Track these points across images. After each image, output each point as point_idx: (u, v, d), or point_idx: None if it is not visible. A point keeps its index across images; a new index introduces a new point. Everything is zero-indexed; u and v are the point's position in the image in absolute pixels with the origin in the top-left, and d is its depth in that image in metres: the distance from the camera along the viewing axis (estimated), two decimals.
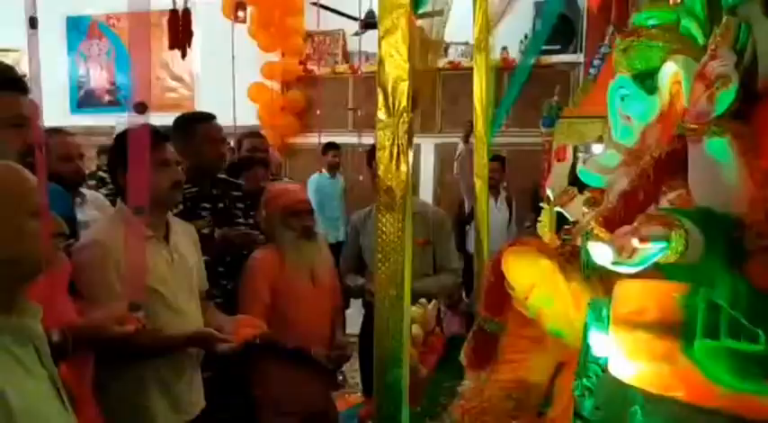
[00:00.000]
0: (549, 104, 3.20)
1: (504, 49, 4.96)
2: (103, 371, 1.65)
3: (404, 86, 0.85)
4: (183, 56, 2.88)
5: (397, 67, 0.85)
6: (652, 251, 0.92)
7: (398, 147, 0.86)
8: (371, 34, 4.68)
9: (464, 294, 3.31)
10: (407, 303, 0.89)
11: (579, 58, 4.83)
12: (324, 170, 5.30)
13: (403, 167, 0.87)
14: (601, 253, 0.94)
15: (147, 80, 1.37)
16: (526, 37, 5.08)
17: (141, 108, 1.25)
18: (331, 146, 5.30)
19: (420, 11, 0.95)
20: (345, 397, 3.08)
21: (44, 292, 1.14)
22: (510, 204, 4.16)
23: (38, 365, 1.08)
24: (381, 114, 0.87)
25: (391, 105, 0.86)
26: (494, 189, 4.11)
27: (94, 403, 1.50)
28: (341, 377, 3.57)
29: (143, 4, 1.19)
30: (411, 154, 0.89)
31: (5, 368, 1.00)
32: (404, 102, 0.85)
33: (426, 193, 5.24)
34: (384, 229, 0.88)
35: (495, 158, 4.19)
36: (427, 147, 5.36)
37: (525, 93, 4.74)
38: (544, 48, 5.08)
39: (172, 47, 2.70)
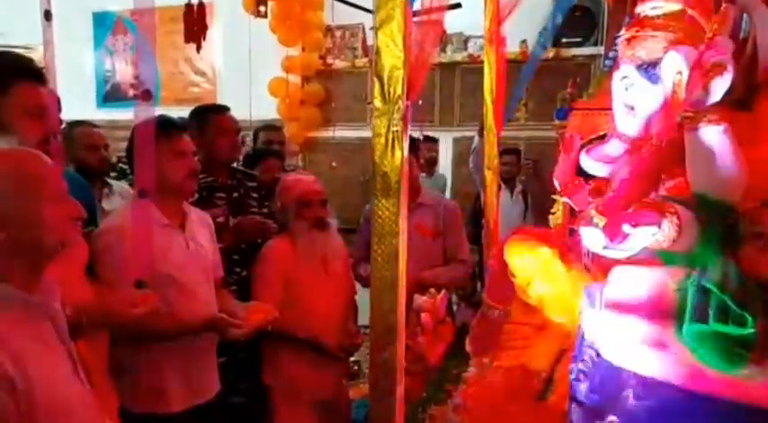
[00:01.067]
0: (562, 96, 3.19)
1: (524, 41, 4.92)
2: (120, 352, 1.72)
3: (399, 75, 0.88)
4: (198, 49, 2.96)
5: (392, 57, 0.87)
6: (642, 237, 0.93)
7: (393, 134, 0.89)
8: None
9: (479, 286, 3.32)
10: (402, 284, 0.92)
11: (600, 50, 4.77)
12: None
13: (398, 153, 0.90)
14: (592, 238, 0.97)
15: (153, 71, 1.41)
16: (546, 30, 5.03)
17: (147, 96, 1.30)
18: (427, 139, 4.69)
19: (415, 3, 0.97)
20: (359, 386, 3.12)
21: (61, 274, 1.20)
22: (526, 197, 4.15)
23: (56, 341, 1.14)
24: (377, 102, 0.90)
25: (387, 93, 0.89)
26: (510, 182, 4.11)
27: (110, 382, 1.57)
28: (356, 367, 3.63)
29: (148, 1, 1.23)
30: (406, 141, 0.92)
31: (26, 341, 1.05)
32: (399, 90, 0.88)
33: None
34: (380, 213, 0.91)
35: (511, 151, 4.18)
36: (445, 140, 5.36)
37: (545, 86, 4.73)
38: (565, 40, 5.04)
39: (188, 40, 2.77)
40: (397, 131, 0.88)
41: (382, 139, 0.89)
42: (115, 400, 1.57)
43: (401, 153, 0.89)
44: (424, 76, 0.96)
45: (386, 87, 0.88)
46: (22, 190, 1.08)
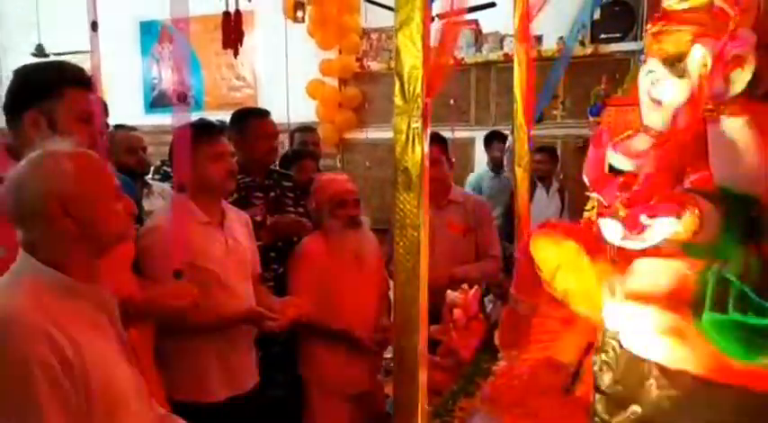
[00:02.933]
0: (596, 93, 3.16)
1: (561, 39, 4.87)
2: (162, 342, 1.81)
3: (418, 74, 0.91)
4: (236, 55, 3.08)
5: (411, 57, 0.91)
6: (661, 228, 0.95)
7: (413, 130, 0.93)
8: None
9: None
10: (424, 275, 0.95)
11: (640, 45, 4.68)
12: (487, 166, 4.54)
13: (418, 150, 0.93)
14: (611, 229, 0.98)
15: (186, 76, 1.50)
16: (584, 26, 4.96)
17: (182, 97, 1.39)
18: (496, 136, 4.45)
19: (436, 10, 1.01)
20: None
21: (110, 268, 1.29)
22: (563, 195, 4.11)
23: (110, 330, 1.22)
24: (398, 100, 0.93)
25: (407, 92, 0.92)
26: (545, 180, 4.08)
27: (156, 370, 1.66)
28: (392, 364, 3.67)
29: (183, 9, 1.32)
30: (427, 137, 0.95)
31: (83, 328, 1.13)
32: (418, 88, 0.92)
33: None
34: (401, 206, 0.95)
35: (544, 149, 4.14)
36: (481, 139, 5.35)
37: (583, 83, 4.68)
38: (603, 36, 4.97)
39: (225, 47, 2.89)
40: (417, 128, 0.92)
41: (403, 136, 0.93)
42: (161, 387, 1.66)
43: (421, 149, 0.92)
44: (443, 75, 1.00)
45: (406, 86, 0.92)
46: (88, 185, 1.16)
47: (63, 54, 5.23)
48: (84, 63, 1.58)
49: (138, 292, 1.56)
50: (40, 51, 6.14)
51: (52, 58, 5.10)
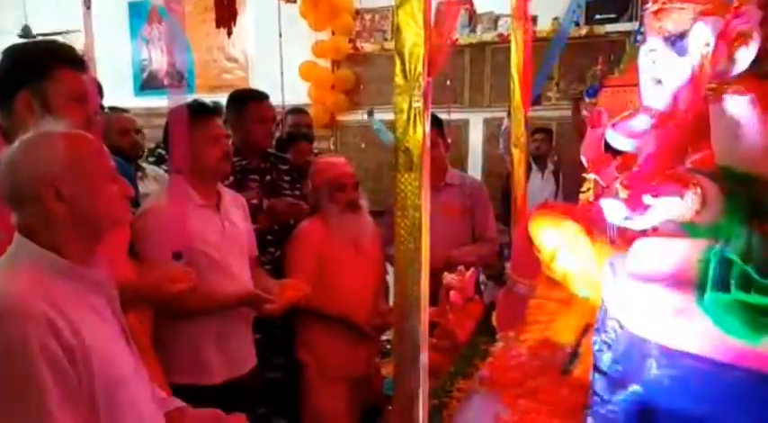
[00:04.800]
0: (592, 74, 3.14)
1: (556, 19, 4.83)
2: (160, 326, 1.81)
3: (419, 52, 0.90)
4: (229, 34, 3.04)
5: (412, 35, 0.89)
6: (664, 208, 0.94)
7: (415, 110, 0.91)
8: None
9: (507, 265, 3.32)
10: (426, 256, 0.95)
11: (635, 26, 4.66)
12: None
13: (419, 129, 0.92)
14: (613, 209, 0.98)
15: (184, 57, 1.47)
16: (579, 7, 4.92)
17: (179, 78, 1.36)
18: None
19: None
20: (392, 364, 3.18)
21: (107, 251, 1.27)
22: (557, 177, 4.12)
23: (109, 313, 1.21)
24: (399, 79, 0.92)
25: (408, 70, 0.91)
26: (541, 161, 4.08)
27: (154, 354, 1.66)
28: (388, 346, 3.69)
29: None
30: (428, 117, 0.94)
31: (82, 311, 1.12)
32: (419, 67, 0.90)
33: (475, 167, 5.23)
34: (402, 187, 0.94)
35: (542, 130, 4.13)
36: (476, 121, 5.33)
37: (577, 64, 4.65)
38: (598, 17, 4.93)
39: (218, 26, 2.85)
40: (418, 108, 0.91)
41: (404, 116, 0.91)
42: (161, 370, 1.66)
43: (423, 129, 0.91)
44: (445, 54, 0.98)
45: (407, 65, 0.90)
46: (82, 167, 1.14)
47: (50, 34, 5.14)
48: (73, 42, 1.54)
49: (136, 275, 1.55)
50: (26, 32, 6.03)
51: (39, 39, 5.01)
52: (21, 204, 1.12)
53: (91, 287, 1.18)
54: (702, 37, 1.13)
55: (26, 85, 1.37)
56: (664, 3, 1.25)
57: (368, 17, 5.92)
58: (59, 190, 1.11)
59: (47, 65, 1.40)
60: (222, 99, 2.61)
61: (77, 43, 1.60)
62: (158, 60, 7.03)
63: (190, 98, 1.82)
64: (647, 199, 0.92)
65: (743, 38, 0.97)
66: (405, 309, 0.96)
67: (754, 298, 0.87)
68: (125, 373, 1.18)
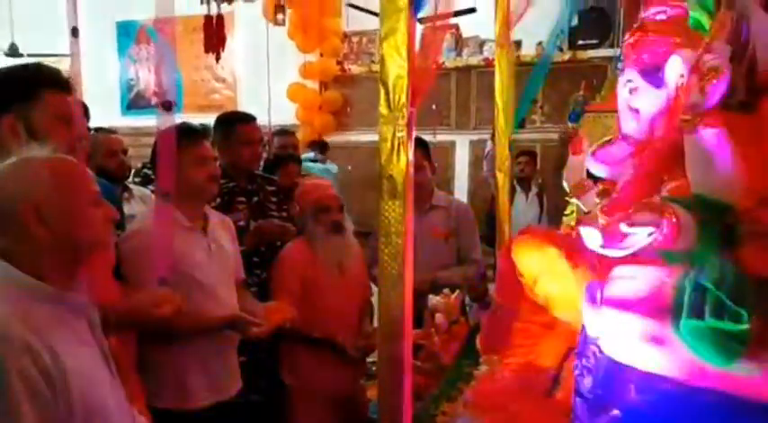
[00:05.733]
0: (575, 99, 3.22)
1: (540, 44, 4.94)
2: (144, 350, 1.80)
3: (403, 84, 0.92)
4: (218, 59, 3.06)
5: (396, 67, 0.92)
6: (640, 236, 0.97)
7: (398, 139, 0.94)
8: None
9: (491, 287, 3.34)
10: (409, 281, 0.96)
11: (616, 52, 4.77)
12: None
13: (403, 157, 0.94)
14: (591, 237, 1.00)
15: (173, 81, 1.49)
16: (562, 32, 5.04)
17: (167, 106, 1.38)
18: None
19: (420, 14, 1.02)
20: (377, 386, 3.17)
21: (90, 275, 1.27)
22: (541, 199, 4.17)
23: (90, 338, 1.20)
24: (383, 109, 0.95)
25: (392, 101, 0.94)
26: (525, 184, 4.13)
27: (137, 378, 1.64)
28: (373, 367, 3.68)
29: (168, 10, 1.30)
30: (411, 146, 0.97)
31: (62, 336, 1.11)
32: (403, 98, 0.93)
33: (461, 188, 5.29)
34: (386, 214, 0.96)
35: (526, 153, 4.20)
36: (462, 143, 5.40)
37: (560, 88, 4.75)
38: (581, 42, 5.05)
39: (207, 50, 2.87)
40: (401, 137, 0.93)
41: (388, 144, 0.94)
42: (143, 395, 1.64)
43: (406, 157, 0.93)
44: (428, 83, 1.01)
45: (391, 95, 0.93)
46: (64, 191, 1.14)
47: (37, 55, 5.14)
48: (59, 64, 1.55)
49: (120, 299, 1.54)
50: (13, 51, 6.03)
51: (26, 59, 5.01)
52: (2, 228, 1.12)
53: (72, 311, 1.18)
54: (677, 69, 1.18)
55: (11, 108, 1.38)
56: (641, 35, 1.30)
57: (355, 40, 6.01)
58: (41, 214, 1.11)
59: (32, 88, 1.40)
60: (210, 119, 2.63)
61: (65, 66, 1.61)
62: (145, 80, 7.05)
63: (178, 119, 1.84)
64: (623, 227, 0.95)
65: (713, 73, 1.01)
66: (388, 332, 0.97)
67: (727, 324, 0.89)
68: (105, 400, 1.17)
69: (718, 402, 0.96)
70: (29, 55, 5.76)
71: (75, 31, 1.33)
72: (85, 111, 2.07)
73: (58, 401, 1.06)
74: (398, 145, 0.94)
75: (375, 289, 2.55)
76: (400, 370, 0.97)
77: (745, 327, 0.89)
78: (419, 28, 1.01)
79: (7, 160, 1.15)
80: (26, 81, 1.43)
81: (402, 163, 0.94)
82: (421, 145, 2.67)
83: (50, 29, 5.40)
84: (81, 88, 1.35)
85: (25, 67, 1.54)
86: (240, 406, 2.04)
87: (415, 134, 1.00)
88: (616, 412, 1.06)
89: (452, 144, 5.43)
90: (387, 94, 0.94)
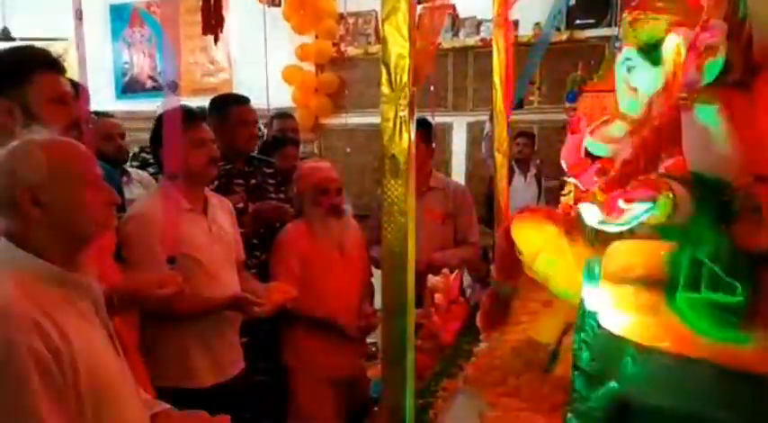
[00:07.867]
0: (573, 79, 3.21)
1: (537, 24, 4.91)
2: (148, 330, 1.82)
3: (404, 64, 0.93)
4: (216, 41, 3.03)
5: (398, 47, 0.93)
6: (637, 212, 0.99)
7: (400, 118, 0.95)
8: None
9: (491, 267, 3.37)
10: (412, 260, 0.98)
11: (614, 31, 4.75)
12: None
13: (405, 137, 0.95)
14: (590, 213, 1.02)
15: (178, 62, 1.49)
16: (560, 12, 5.00)
17: (173, 86, 1.38)
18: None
19: None
20: (377, 366, 3.21)
21: (93, 256, 1.28)
22: (539, 180, 4.18)
23: (95, 318, 1.22)
24: (385, 89, 0.95)
25: (394, 81, 0.94)
26: (523, 164, 4.14)
27: (141, 358, 1.67)
28: (373, 348, 3.71)
29: None
30: (413, 125, 0.98)
31: (68, 316, 1.13)
32: (405, 78, 0.94)
33: (458, 170, 5.28)
34: (389, 193, 0.97)
35: (524, 134, 4.20)
36: (459, 125, 5.38)
37: (558, 69, 4.73)
38: (578, 22, 5.02)
39: (205, 32, 2.85)
40: (404, 116, 0.94)
41: (390, 124, 0.95)
42: (147, 374, 1.67)
43: (408, 137, 0.95)
44: (430, 63, 1.02)
45: (392, 76, 0.94)
46: (62, 174, 1.15)
47: (31, 39, 5.09)
48: (52, 48, 1.55)
49: (122, 280, 1.56)
50: (5, 35, 5.96)
51: (19, 43, 4.96)
52: (2, 210, 1.13)
53: (77, 291, 1.19)
54: (675, 47, 1.18)
55: (4, 92, 1.37)
56: (639, 14, 1.30)
57: (351, 21, 5.95)
58: (36, 195, 1.11)
59: (24, 70, 1.39)
60: (205, 102, 2.62)
61: (66, 50, 1.61)
62: (140, 64, 6.98)
63: (181, 102, 1.84)
64: (621, 203, 0.97)
65: (710, 51, 1.02)
66: (392, 311, 0.99)
67: (722, 297, 0.92)
68: (112, 379, 1.19)
69: (712, 373, 0.98)
70: (21, 39, 5.71)
71: (79, 14, 1.31)
72: (86, 96, 2.06)
73: (67, 379, 1.08)
74: (401, 124, 0.95)
75: (375, 271, 2.58)
76: (404, 348, 0.99)
77: (739, 299, 0.91)
78: (418, 9, 1.01)
79: (6, 143, 1.15)
80: (17, 65, 1.41)
81: (404, 142, 0.95)
82: (421, 125, 2.67)
83: (42, 12, 5.36)
84: (86, 73, 1.34)
85: (15, 50, 1.53)
86: (243, 386, 2.07)
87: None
88: (613, 385, 1.09)
89: (450, 126, 5.41)
90: (389, 74, 0.94)
